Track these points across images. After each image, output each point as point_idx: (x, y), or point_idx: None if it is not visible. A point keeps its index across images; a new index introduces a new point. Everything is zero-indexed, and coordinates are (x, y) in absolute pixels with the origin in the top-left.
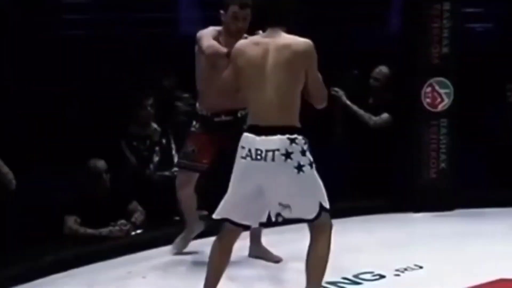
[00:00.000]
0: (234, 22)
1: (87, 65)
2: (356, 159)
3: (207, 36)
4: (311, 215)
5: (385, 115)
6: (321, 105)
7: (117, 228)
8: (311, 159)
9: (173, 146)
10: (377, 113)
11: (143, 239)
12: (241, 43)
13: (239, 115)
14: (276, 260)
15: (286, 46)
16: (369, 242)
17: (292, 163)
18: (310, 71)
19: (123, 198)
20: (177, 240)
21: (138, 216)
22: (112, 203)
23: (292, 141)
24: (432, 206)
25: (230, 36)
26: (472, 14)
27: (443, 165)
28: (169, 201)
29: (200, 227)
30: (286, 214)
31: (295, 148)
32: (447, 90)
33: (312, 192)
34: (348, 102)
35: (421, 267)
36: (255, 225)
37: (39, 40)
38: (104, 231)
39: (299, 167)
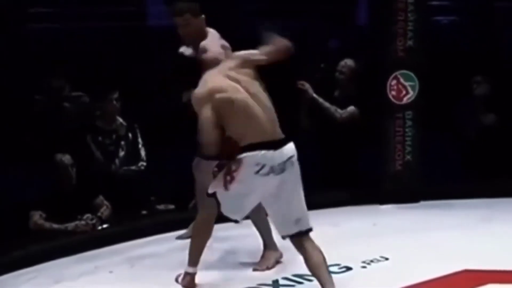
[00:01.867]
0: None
1: (53, 59)
2: (322, 152)
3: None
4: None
5: (351, 108)
6: (286, 55)
7: (83, 222)
8: None
9: (140, 140)
10: (342, 106)
11: (109, 234)
12: (203, 83)
13: None
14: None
15: (241, 65)
16: (335, 235)
17: (297, 165)
18: (255, 59)
19: (88, 193)
20: (188, 230)
21: (104, 210)
22: (78, 198)
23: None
24: (398, 198)
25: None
26: (438, 7)
27: (408, 157)
28: (135, 196)
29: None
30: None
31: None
32: (412, 83)
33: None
34: (315, 95)
35: (387, 259)
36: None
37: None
38: (70, 225)
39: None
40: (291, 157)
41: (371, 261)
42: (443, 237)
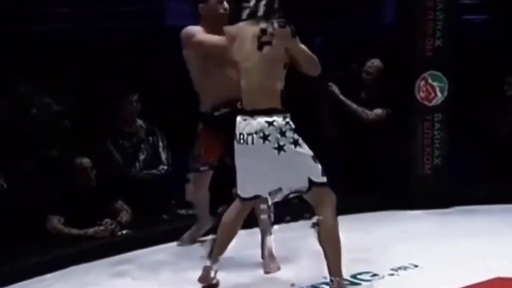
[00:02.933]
0: (220, 5)
1: (72, 60)
2: (347, 156)
3: (201, 32)
4: (301, 189)
5: (379, 110)
6: (315, 72)
7: (102, 228)
8: (295, 137)
9: (161, 144)
10: (369, 107)
11: (130, 239)
12: (235, 27)
13: (238, 106)
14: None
15: (263, 30)
16: (363, 241)
17: (270, 145)
18: (292, 46)
19: (108, 197)
20: (185, 235)
21: (124, 215)
22: (97, 202)
23: (270, 124)
24: (427, 203)
25: (214, 25)
26: (468, 5)
27: (437, 161)
28: (156, 200)
29: (209, 223)
30: (280, 196)
31: (272, 131)
32: (441, 84)
33: (298, 169)
34: (342, 97)
35: (416, 266)
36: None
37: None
38: (89, 231)
39: (279, 148)
40: (253, 133)
41: (400, 268)
42: (475, 244)
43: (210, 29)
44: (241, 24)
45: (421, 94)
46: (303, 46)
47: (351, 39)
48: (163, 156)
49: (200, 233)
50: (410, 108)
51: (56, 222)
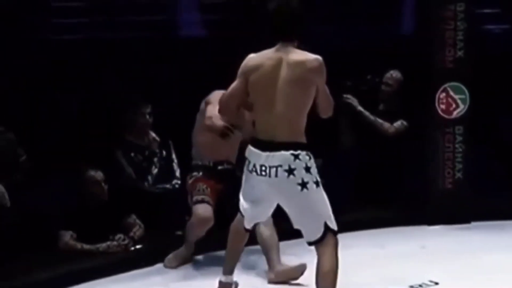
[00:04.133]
0: None
1: (82, 71)
2: (365, 169)
3: (215, 104)
4: (316, 237)
5: (398, 123)
6: (327, 115)
7: (115, 243)
8: (317, 177)
9: (174, 157)
10: (388, 120)
11: (143, 255)
12: (253, 56)
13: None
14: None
15: (299, 63)
16: (381, 257)
17: (295, 179)
18: (320, 86)
19: (120, 212)
20: (170, 256)
21: (137, 230)
22: (109, 217)
23: (296, 157)
24: (447, 218)
25: None
26: (489, 15)
27: (458, 174)
28: (169, 215)
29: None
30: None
31: (298, 164)
32: (462, 96)
33: (317, 210)
34: (361, 109)
35: (436, 283)
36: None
37: (29, 44)
38: (102, 246)
39: (303, 184)
40: (277, 166)
41: (420, 285)
42: (496, 260)
43: None
44: (266, 51)
45: (442, 106)
46: (326, 87)
47: (369, 50)
48: (177, 170)
49: (188, 253)
50: (430, 120)
51: (68, 237)
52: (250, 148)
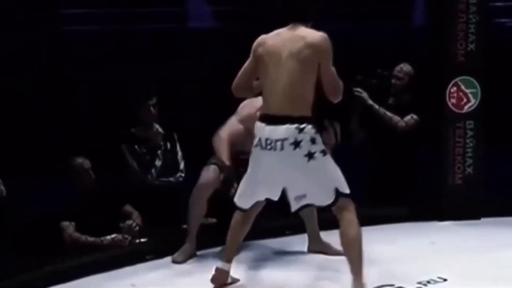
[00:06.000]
0: None
1: (86, 63)
2: (375, 164)
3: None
4: (328, 201)
5: (409, 117)
6: (335, 99)
7: (120, 237)
8: (323, 147)
9: (179, 150)
10: (398, 114)
11: (147, 249)
12: (263, 35)
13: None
14: (338, 253)
15: (301, 38)
16: (390, 253)
17: (301, 151)
18: (323, 64)
19: (115, 202)
20: (178, 252)
21: (137, 216)
22: (105, 207)
23: (301, 130)
24: (458, 214)
25: None
26: (502, 8)
27: (469, 170)
28: (174, 209)
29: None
30: (303, 202)
31: (304, 137)
32: (473, 90)
33: (327, 178)
34: (371, 102)
35: (445, 280)
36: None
37: (37, 35)
38: (106, 239)
39: (310, 155)
40: (283, 139)
41: (428, 282)
42: (507, 257)
43: None
44: (278, 30)
45: (453, 100)
46: (333, 69)
47: (379, 43)
48: (182, 163)
49: (192, 247)
50: (440, 115)
51: (71, 230)
52: (257, 124)
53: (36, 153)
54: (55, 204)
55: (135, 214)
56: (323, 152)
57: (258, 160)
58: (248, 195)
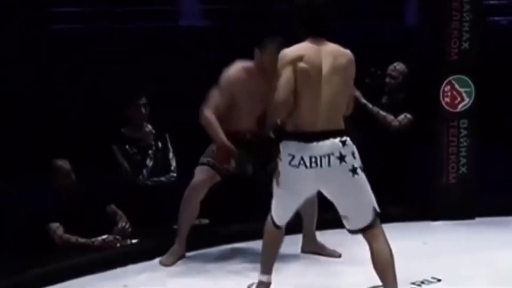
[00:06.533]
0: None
1: (77, 62)
2: (368, 163)
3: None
4: (367, 222)
5: (403, 116)
6: (350, 111)
7: (111, 237)
8: (361, 163)
9: (171, 149)
10: (391, 113)
11: (138, 250)
12: (291, 49)
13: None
14: (336, 255)
15: (341, 54)
16: None
17: (346, 166)
18: (352, 80)
19: (98, 202)
20: (166, 255)
21: (121, 217)
22: (88, 209)
23: (344, 143)
24: (451, 214)
25: (262, 72)
26: (495, 6)
27: (463, 169)
28: (165, 209)
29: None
30: (346, 224)
31: (347, 150)
32: (467, 89)
33: (367, 196)
34: (364, 101)
35: (439, 280)
36: None
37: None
38: (98, 240)
39: (354, 170)
40: (329, 154)
41: (422, 282)
42: (501, 257)
43: (257, 73)
44: (299, 45)
45: (446, 99)
46: None
47: (372, 42)
48: (173, 163)
49: (182, 249)
50: (434, 114)
51: (61, 231)
52: (292, 142)
53: (22, 153)
54: (41, 205)
55: (120, 213)
56: (361, 169)
57: (300, 181)
58: (282, 214)
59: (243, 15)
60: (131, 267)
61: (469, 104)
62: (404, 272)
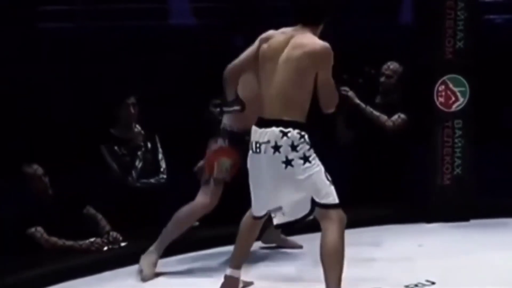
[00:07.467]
0: None
1: (65, 61)
2: (362, 164)
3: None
4: (302, 213)
5: (397, 116)
6: (328, 110)
7: (98, 240)
8: (307, 153)
9: (160, 150)
10: (385, 113)
11: (127, 253)
12: (271, 31)
13: None
14: (298, 246)
15: (302, 45)
16: (377, 256)
17: (279, 156)
18: (321, 75)
19: (76, 205)
20: (146, 267)
21: (101, 219)
22: (67, 211)
23: (284, 134)
24: (446, 215)
25: None
26: (490, 4)
27: (457, 170)
28: (155, 211)
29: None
30: (280, 217)
31: (285, 142)
32: (462, 88)
33: (303, 187)
34: (358, 101)
35: (433, 283)
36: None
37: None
38: (85, 243)
39: (287, 162)
40: (266, 142)
41: (416, 285)
42: (496, 259)
43: None
44: (285, 28)
45: (441, 99)
46: (331, 80)
47: (365, 41)
48: (163, 164)
49: (158, 257)
50: (428, 114)
51: (44, 234)
52: (252, 127)
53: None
54: (19, 209)
55: (99, 216)
56: (304, 159)
57: (250, 163)
58: (255, 202)
59: (233, 13)
60: (119, 271)
61: (463, 104)
62: (398, 274)
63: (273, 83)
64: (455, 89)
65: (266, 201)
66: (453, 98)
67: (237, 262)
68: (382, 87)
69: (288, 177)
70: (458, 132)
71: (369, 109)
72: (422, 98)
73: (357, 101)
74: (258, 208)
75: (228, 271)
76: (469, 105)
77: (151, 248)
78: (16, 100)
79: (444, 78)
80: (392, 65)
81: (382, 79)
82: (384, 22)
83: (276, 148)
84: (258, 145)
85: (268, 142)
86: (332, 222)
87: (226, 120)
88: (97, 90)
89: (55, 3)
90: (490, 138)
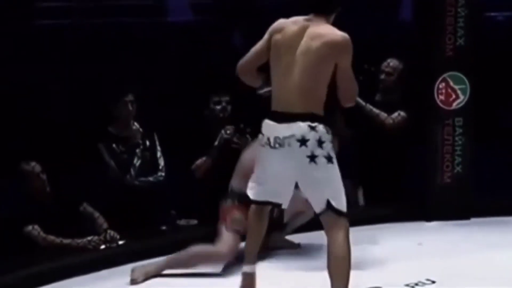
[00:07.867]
0: None
1: (61, 59)
2: (361, 162)
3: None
4: (318, 210)
5: (396, 114)
6: (347, 103)
7: (95, 238)
8: (331, 153)
9: (159, 148)
10: (385, 111)
11: (125, 251)
12: (282, 20)
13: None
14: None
15: (321, 35)
16: (376, 254)
17: (305, 151)
18: (341, 65)
19: (72, 203)
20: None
21: (98, 217)
22: (64, 209)
23: (312, 128)
24: (446, 214)
25: None
26: (491, 1)
27: (458, 168)
28: (153, 210)
29: None
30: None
31: (312, 136)
32: (462, 86)
33: (322, 186)
34: (359, 99)
35: (433, 282)
36: (285, 205)
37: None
38: (83, 241)
39: (312, 157)
40: (291, 135)
41: (416, 284)
42: (496, 258)
43: None
44: (296, 17)
45: (441, 97)
46: (351, 72)
47: (364, 37)
48: (162, 162)
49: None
50: (428, 112)
51: (40, 232)
52: (265, 121)
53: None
54: (16, 208)
55: (96, 215)
56: (328, 159)
57: (266, 160)
58: (258, 189)
59: (231, 10)
60: (117, 269)
61: (464, 102)
62: (398, 273)
63: (291, 76)
64: (456, 87)
65: (271, 191)
66: (454, 96)
67: (252, 257)
68: (382, 84)
69: (310, 172)
70: (459, 130)
71: (369, 106)
72: (422, 95)
73: (358, 99)
74: (259, 191)
75: (245, 268)
76: (469, 103)
77: (152, 262)
78: (13, 98)
79: (445, 75)
80: (392, 63)
81: (382, 76)
82: (384, 19)
83: (303, 141)
84: (278, 140)
85: (293, 136)
86: (342, 231)
87: (233, 183)
88: (94, 88)
89: (51, 0)
90: (491, 136)
